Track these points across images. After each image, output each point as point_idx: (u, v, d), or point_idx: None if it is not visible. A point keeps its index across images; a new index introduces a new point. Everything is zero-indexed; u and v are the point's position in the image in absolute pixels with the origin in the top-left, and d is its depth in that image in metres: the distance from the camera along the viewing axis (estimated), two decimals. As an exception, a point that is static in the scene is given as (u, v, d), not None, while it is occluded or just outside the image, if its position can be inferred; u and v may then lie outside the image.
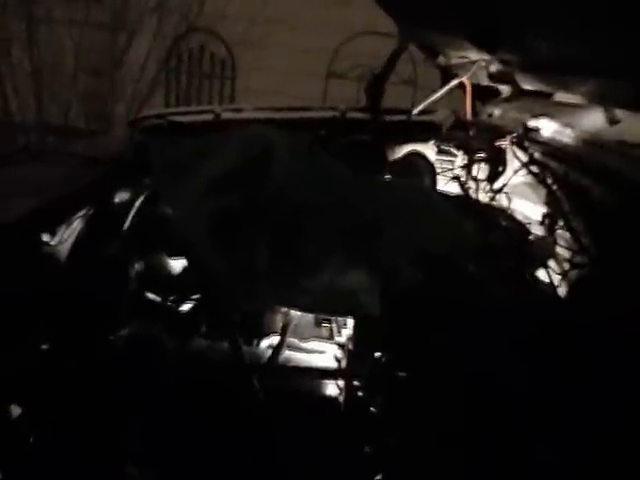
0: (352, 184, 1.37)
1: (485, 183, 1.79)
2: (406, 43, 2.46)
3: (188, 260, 1.31)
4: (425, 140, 1.99)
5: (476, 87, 2.18)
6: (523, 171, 1.63)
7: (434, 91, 2.25)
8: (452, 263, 1.04)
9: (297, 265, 1.10)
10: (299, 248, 1.13)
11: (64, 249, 1.16)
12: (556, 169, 1.42)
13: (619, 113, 1.46)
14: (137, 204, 1.38)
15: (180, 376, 1.14)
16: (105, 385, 1.09)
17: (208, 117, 2.29)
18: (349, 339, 1.21)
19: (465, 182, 1.80)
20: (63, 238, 1.15)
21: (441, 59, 2.32)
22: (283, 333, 1.28)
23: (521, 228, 1.36)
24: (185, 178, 1.39)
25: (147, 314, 1.29)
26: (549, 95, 1.81)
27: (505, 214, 1.51)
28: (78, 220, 1.21)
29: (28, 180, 1.27)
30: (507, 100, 2.18)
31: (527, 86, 1.76)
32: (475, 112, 2.25)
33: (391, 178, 1.74)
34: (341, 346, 1.26)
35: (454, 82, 2.07)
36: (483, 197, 1.78)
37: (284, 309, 1.27)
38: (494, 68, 1.89)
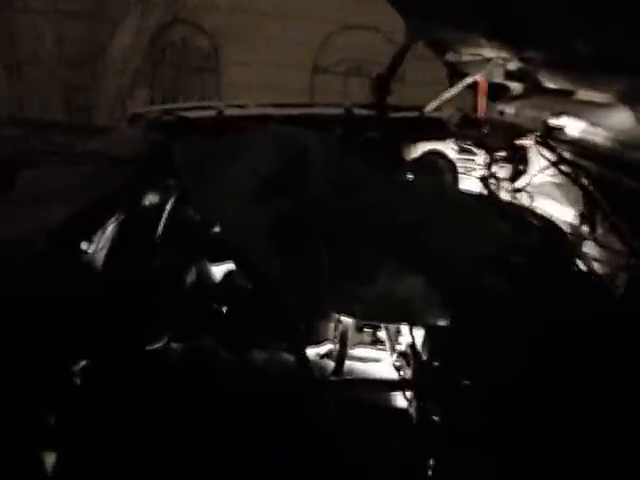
0: (387, 186, 1.34)
1: (507, 182, 1.79)
2: (414, 40, 2.44)
3: (240, 267, 1.26)
4: (443, 138, 1.97)
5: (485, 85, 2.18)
6: (549, 170, 1.63)
7: (438, 90, 2.24)
8: (513, 266, 1.03)
9: (351, 272, 1.07)
10: (351, 254, 1.10)
11: (100, 257, 1.10)
12: (590, 168, 1.42)
13: (646, 113, 1.47)
14: (168, 208, 1.32)
15: (240, 391, 1.09)
16: (154, 401, 1.03)
17: (211, 113, 2.23)
18: (409, 346, 1.19)
19: (488, 181, 1.79)
20: (99, 247, 1.09)
21: (451, 56, 2.31)
22: (343, 342, 1.25)
23: (555, 226, 1.36)
24: (215, 179, 1.34)
25: (197, 326, 1.23)
26: (568, 93, 1.82)
27: (534, 213, 1.50)
28: (111, 227, 1.15)
29: (57, 184, 1.19)
30: (519, 98, 2.19)
31: (550, 84, 1.76)
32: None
33: (415, 178, 1.71)
34: (401, 355, 1.23)
35: (469, 79, 2.06)
36: (505, 196, 1.78)
37: (337, 316, 1.24)
38: (513, 66, 1.89)
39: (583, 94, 1.76)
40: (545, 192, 1.68)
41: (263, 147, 1.37)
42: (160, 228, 1.28)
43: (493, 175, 1.81)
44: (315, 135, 1.42)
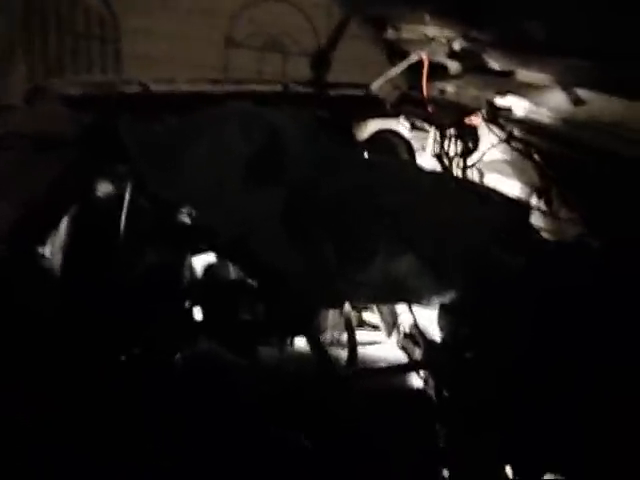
0: (364, 165, 1.33)
1: (458, 159, 1.86)
2: (350, 16, 2.42)
3: (235, 258, 1.15)
4: (393, 116, 1.99)
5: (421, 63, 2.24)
6: (499, 147, 1.72)
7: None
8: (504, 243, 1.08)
9: (349, 256, 1.05)
10: (347, 238, 1.07)
11: (58, 261, 0.95)
12: (540, 145, 1.53)
13: (583, 94, 1.60)
14: (127, 197, 1.17)
15: (255, 392, 1.01)
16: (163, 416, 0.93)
17: (135, 89, 2.04)
18: (413, 326, 1.19)
19: (442, 159, 1.85)
20: (56, 248, 0.93)
21: (390, 34, 2.33)
22: (350, 328, 1.22)
23: (519, 202, 1.45)
24: (180, 163, 1.22)
25: (193, 330, 1.11)
26: (508, 74, 1.93)
27: (493, 190, 1.59)
28: (64, 223, 0.99)
29: None
30: (458, 77, 2.27)
31: (493, 65, 1.84)
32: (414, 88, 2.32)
33: (376, 157, 1.72)
34: (407, 335, 1.24)
35: (413, 58, 2.09)
36: (457, 174, 1.86)
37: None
38: (457, 45, 1.95)
39: (523, 75, 1.88)
40: (495, 168, 1.78)
41: (230, 127, 1.27)
42: (122, 221, 1.13)
43: (445, 153, 1.87)
44: (284, 113, 1.35)
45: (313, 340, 1.13)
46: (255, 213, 1.07)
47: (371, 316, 1.39)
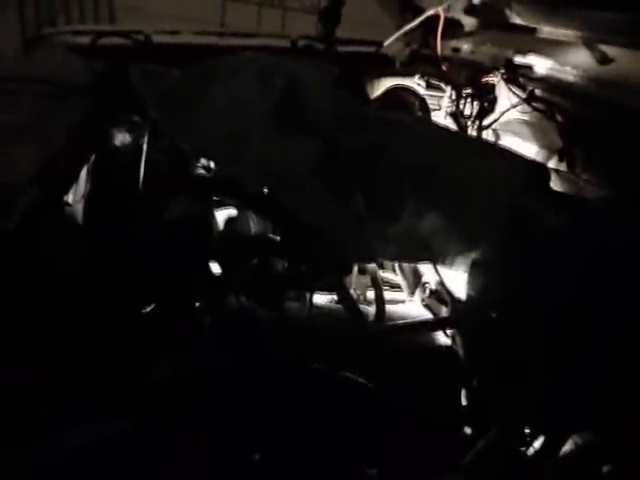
0: (387, 122, 1.28)
1: (474, 120, 1.81)
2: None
3: (263, 211, 1.10)
4: (408, 74, 1.92)
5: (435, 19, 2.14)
6: (518, 108, 1.67)
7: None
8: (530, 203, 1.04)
9: (377, 211, 1.01)
10: (375, 193, 1.03)
11: (79, 211, 0.90)
12: (563, 105, 1.47)
13: (610, 51, 1.54)
14: (145, 148, 1.11)
15: (287, 348, 0.99)
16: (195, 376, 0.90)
17: (137, 39, 1.94)
18: (439, 284, 1.17)
19: (458, 118, 1.79)
20: (77, 197, 0.89)
21: (404, -13, 2.22)
22: (377, 285, 1.19)
23: (539, 164, 1.41)
24: (193, 114, 1.16)
25: (219, 285, 1.08)
26: (531, 30, 1.85)
27: (510, 151, 1.54)
28: (84, 172, 0.95)
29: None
30: (471, 35, 2.19)
31: (516, 19, 1.76)
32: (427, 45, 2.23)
33: (391, 114, 1.65)
34: (433, 293, 1.22)
35: (428, 13, 2.00)
36: (473, 134, 1.81)
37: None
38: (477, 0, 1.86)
39: (546, 31, 1.80)
40: (512, 130, 1.73)
41: (248, 75, 1.20)
42: (141, 172, 1.08)
43: (461, 112, 1.81)
44: (301, 66, 1.28)
45: (344, 294, 1.11)
46: (285, 163, 1.03)
47: (391, 275, 1.37)
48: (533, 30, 1.80)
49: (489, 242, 0.97)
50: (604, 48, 1.58)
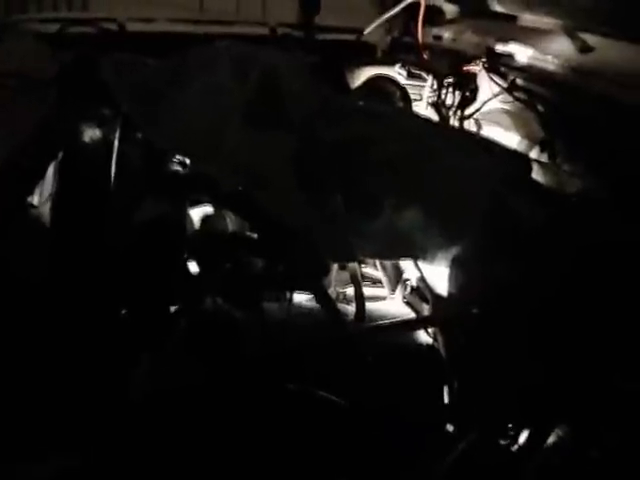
0: (365, 113, 1.25)
1: (455, 110, 1.79)
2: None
3: (238, 211, 1.07)
4: (387, 63, 1.89)
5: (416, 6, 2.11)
6: (499, 97, 1.65)
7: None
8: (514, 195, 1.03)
9: (358, 209, 0.99)
10: (354, 188, 1.01)
11: (46, 212, 0.86)
12: (545, 94, 1.46)
13: (591, 40, 1.53)
14: (116, 143, 1.06)
15: (265, 350, 0.96)
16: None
17: (110, 27, 1.88)
18: (420, 280, 1.16)
19: (440, 108, 1.77)
20: (43, 197, 0.85)
21: (384, -27, 2.18)
22: (357, 283, 1.17)
23: (520, 154, 1.40)
24: (165, 108, 1.12)
25: (195, 286, 1.04)
26: (512, 18, 1.83)
27: (492, 141, 1.53)
28: (50, 170, 0.90)
29: None
30: (453, 22, 2.16)
31: (498, 7, 1.74)
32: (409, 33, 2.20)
33: (372, 104, 1.62)
34: (413, 290, 1.20)
35: (407, 0, 1.97)
36: (454, 124, 1.79)
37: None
38: (459, -14, 1.83)
39: (527, 19, 1.79)
40: (494, 120, 1.71)
41: (222, 66, 1.16)
42: (113, 169, 1.03)
43: (442, 102, 1.79)
44: (279, 55, 1.24)
45: (322, 294, 1.09)
46: (260, 160, 0.99)
47: (372, 270, 1.35)
48: (514, 18, 1.78)
49: (470, 236, 0.96)
50: (585, 37, 1.58)
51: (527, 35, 1.69)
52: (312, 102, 1.15)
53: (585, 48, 1.56)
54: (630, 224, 0.88)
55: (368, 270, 1.32)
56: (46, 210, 0.89)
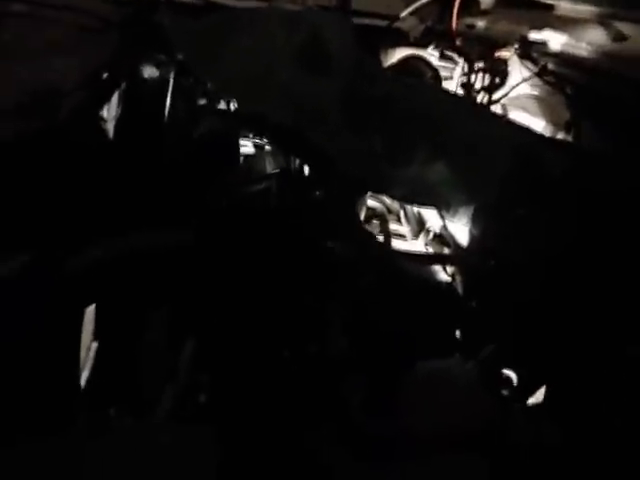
0: (401, 80, 1.30)
1: (484, 93, 1.82)
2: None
3: (284, 144, 1.13)
4: (421, 45, 1.93)
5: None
6: (528, 82, 1.68)
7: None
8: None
9: (390, 154, 1.04)
10: (389, 138, 1.06)
11: (111, 128, 0.93)
12: (575, 77, 1.49)
13: (626, 29, 1.55)
14: (171, 82, 1.13)
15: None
16: None
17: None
18: (443, 228, 1.21)
19: (470, 90, 1.81)
20: (111, 114, 0.92)
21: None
22: (384, 221, 1.23)
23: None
24: (219, 53, 1.18)
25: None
26: (548, 7, 1.86)
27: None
28: (115, 96, 0.97)
29: (37, 38, 0.96)
30: (487, 12, 2.19)
31: (533, -4, 1.77)
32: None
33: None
34: (436, 236, 1.24)
35: (444, -14, 2.00)
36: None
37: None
38: (497, -26, 1.87)
39: (563, 8, 1.81)
40: (521, 105, 1.75)
41: (272, 21, 1.22)
42: (167, 103, 1.10)
43: (472, 85, 1.83)
44: (327, 17, 1.30)
45: (354, 222, 1.14)
46: (309, 97, 1.05)
47: (395, 225, 1.40)
48: (551, 7, 1.81)
49: (493, 188, 1.00)
50: (620, 25, 1.60)
51: (562, 23, 1.72)
52: (354, 62, 1.20)
53: (619, 36, 1.58)
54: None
55: (392, 225, 1.37)
56: (111, 127, 0.96)
